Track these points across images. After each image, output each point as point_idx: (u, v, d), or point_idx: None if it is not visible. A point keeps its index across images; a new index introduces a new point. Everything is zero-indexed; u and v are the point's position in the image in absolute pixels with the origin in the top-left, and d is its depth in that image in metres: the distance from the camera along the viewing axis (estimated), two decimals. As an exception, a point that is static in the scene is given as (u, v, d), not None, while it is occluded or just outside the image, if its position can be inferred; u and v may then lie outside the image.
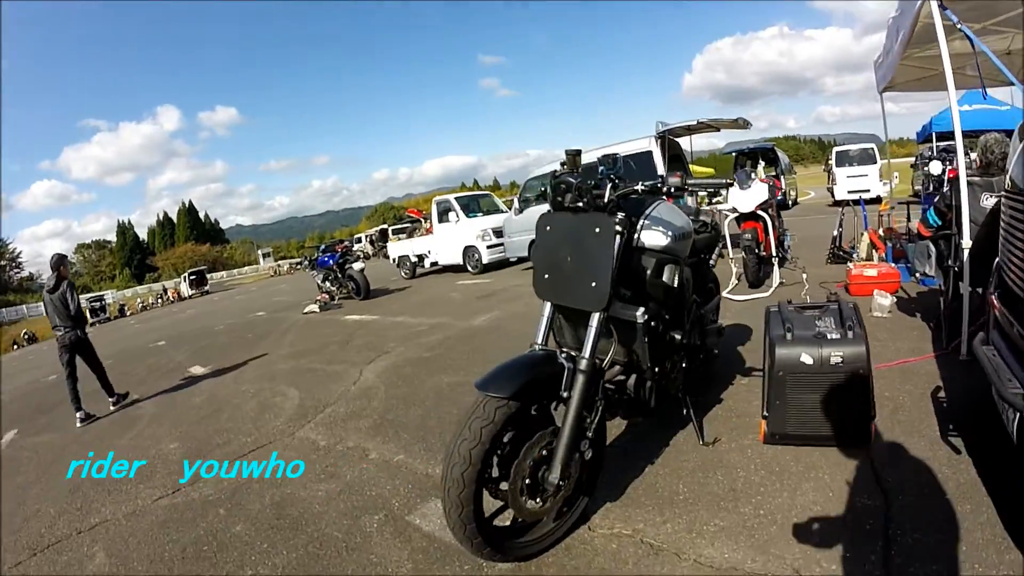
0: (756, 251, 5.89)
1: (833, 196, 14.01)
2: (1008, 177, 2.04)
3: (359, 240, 33.45)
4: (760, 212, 6.17)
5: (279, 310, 11.47)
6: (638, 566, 1.79)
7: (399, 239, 16.56)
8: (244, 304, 15.81)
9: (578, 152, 2.11)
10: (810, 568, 1.65)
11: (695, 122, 8.88)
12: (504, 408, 1.70)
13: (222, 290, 30.29)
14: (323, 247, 11.13)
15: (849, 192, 12.39)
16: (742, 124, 9.29)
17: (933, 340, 3.29)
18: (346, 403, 4.02)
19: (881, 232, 6.32)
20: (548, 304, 2.02)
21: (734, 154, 16.18)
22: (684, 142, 10.13)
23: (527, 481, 1.79)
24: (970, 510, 1.76)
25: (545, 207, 8.40)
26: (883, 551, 1.65)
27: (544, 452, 1.82)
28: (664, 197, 2.22)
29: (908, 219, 6.51)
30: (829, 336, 2.32)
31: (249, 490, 2.85)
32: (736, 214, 6.46)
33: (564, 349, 2.04)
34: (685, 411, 2.57)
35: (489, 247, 10.58)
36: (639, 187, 1.89)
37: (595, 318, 1.86)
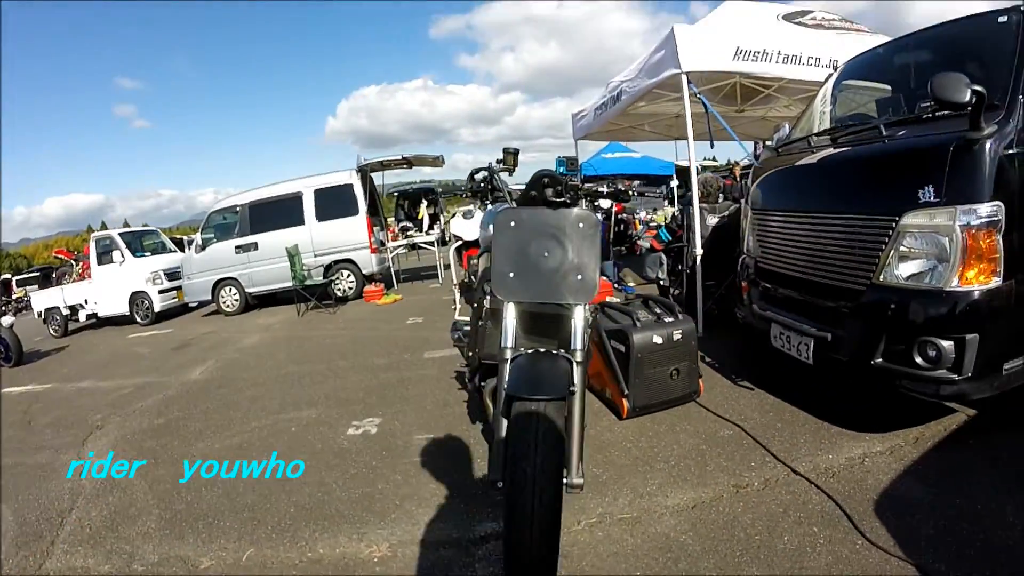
0: None
1: None
2: (746, 203, 3.54)
3: None
4: (484, 240, 7.54)
5: None
6: (636, 536, 2.19)
7: (28, 291, 14.56)
8: None
9: (516, 151, 2.47)
10: (741, 479, 2.45)
11: (400, 157, 9.96)
12: (560, 407, 1.75)
13: None
14: None
15: None
16: (440, 162, 10.91)
17: (670, 328, 4.96)
18: (93, 505, 3.01)
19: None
20: (511, 305, 2.08)
21: (395, 194, 17.69)
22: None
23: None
24: (790, 416, 2.96)
25: (228, 243, 8.18)
26: (769, 455, 2.61)
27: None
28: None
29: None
30: (665, 319, 3.36)
31: None
32: (459, 242, 7.72)
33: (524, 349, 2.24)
34: None
35: (162, 292, 9.93)
36: (603, 189, 2.38)
37: (580, 310, 2.04)
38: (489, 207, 3.14)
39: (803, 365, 2.86)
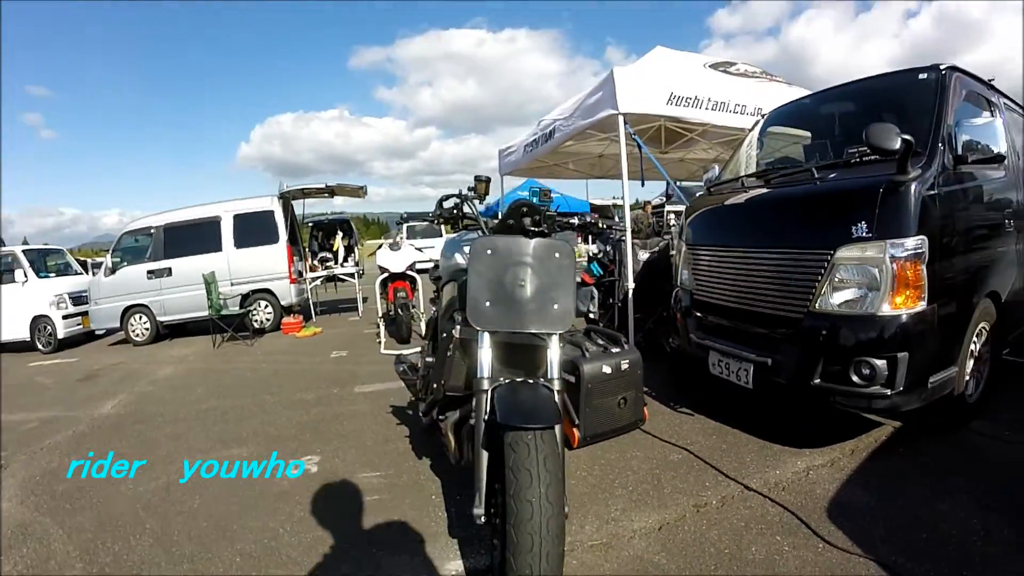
0: (409, 308, 7.16)
1: None
2: (682, 239, 3.79)
3: None
4: (410, 272, 7.52)
5: None
6: (611, 560, 2.22)
7: None
8: None
9: (488, 179, 2.49)
10: (699, 498, 2.56)
11: (323, 185, 9.70)
12: (554, 436, 1.77)
13: None
14: None
15: (419, 261, 15.56)
16: (363, 193, 10.73)
17: (605, 357, 5.12)
18: (6, 558, 2.62)
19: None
20: (487, 335, 2.06)
21: (310, 224, 17.33)
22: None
23: None
24: (733, 438, 3.13)
25: (140, 267, 8.49)
26: (720, 474, 2.75)
27: None
28: None
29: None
30: (612, 350, 3.47)
31: None
32: (385, 275, 7.60)
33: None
34: None
35: (66, 317, 9.12)
36: (575, 221, 2.42)
37: (556, 339, 2.10)
38: (452, 236, 3.11)
39: (736, 390, 3.07)
